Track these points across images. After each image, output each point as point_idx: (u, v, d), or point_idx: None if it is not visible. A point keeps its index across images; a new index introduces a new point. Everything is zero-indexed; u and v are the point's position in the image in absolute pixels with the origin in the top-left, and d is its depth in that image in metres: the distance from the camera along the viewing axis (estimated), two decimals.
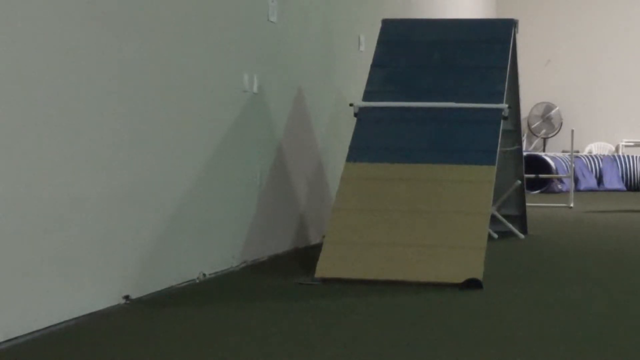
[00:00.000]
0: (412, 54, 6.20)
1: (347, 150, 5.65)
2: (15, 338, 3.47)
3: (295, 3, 6.43)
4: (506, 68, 5.99)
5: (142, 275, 4.39)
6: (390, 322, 3.99)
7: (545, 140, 17.86)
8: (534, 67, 17.37)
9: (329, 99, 7.17)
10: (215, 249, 5.19)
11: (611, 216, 9.69)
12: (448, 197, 5.28)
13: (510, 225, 7.12)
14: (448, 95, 5.85)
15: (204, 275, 4.99)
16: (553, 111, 17.80)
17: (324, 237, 5.58)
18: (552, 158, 14.49)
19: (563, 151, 15.93)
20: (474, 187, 5.32)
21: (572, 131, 11.35)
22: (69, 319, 3.80)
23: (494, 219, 6.65)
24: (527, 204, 7.47)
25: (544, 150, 17.03)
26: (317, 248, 5.32)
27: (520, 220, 7.37)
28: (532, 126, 17.80)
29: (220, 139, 5.27)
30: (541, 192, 13.67)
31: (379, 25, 6.40)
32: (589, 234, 7.76)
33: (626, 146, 17.50)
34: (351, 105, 5.94)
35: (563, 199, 11.52)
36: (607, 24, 17.81)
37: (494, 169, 5.42)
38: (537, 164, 13.60)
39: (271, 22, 5.95)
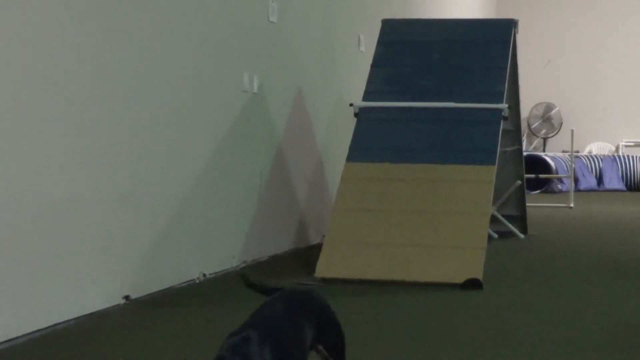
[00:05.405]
0: (412, 54, 6.20)
1: (347, 150, 5.65)
2: (15, 338, 3.47)
3: (295, 3, 6.43)
4: (506, 68, 5.99)
5: (142, 275, 4.39)
6: (390, 322, 3.99)
7: (545, 140, 17.85)
8: (534, 67, 17.35)
9: (329, 99, 7.17)
10: (215, 249, 5.19)
11: (611, 216, 9.69)
12: (448, 197, 5.28)
13: (510, 225, 7.11)
14: (448, 95, 5.85)
15: (204, 275, 4.99)
16: (553, 111, 17.79)
17: (324, 237, 5.58)
18: (552, 158, 14.47)
19: (563, 151, 15.91)
20: (474, 187, 5.32)
21: (572, 131, 11.33)
22: (69, 319, 3.80)
23: (494, 219, 6.65)
24: (527, 204, 7.47)
25: (544, 150, 17.02)
26: (317, 248, 5.32)
27: (520, 220, 7.36)
28: (532, 126, 17.79)
29: (220, 139, 5.27)
30: (541, 192, 13.66)
31: (379, 25, 6.40)
32: (589, 234, 7.75)
33: (626, 146, 17.49)
34: (351, 105, 5.94)
35: (563, 199, 11.52)
36: (607, 24, 17.80)
37: (494, 169, 5.41)
38: (537, 164, 13.59)
39: (271, 22, 5.95)
